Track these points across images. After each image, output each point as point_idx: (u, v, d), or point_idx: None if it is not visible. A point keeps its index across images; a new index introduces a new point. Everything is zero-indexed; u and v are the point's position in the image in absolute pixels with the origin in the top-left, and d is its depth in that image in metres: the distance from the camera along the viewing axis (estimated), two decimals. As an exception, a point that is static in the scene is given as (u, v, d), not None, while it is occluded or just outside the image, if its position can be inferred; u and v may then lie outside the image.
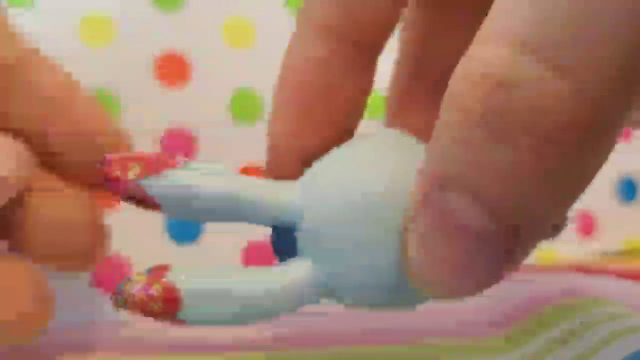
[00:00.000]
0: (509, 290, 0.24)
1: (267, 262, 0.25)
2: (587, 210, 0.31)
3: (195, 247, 0.25)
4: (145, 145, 0.25)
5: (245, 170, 0.26)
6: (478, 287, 0.12)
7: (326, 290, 0.14)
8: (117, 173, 0.13)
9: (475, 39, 0.11)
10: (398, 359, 0.20)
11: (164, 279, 0.13)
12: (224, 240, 0.25)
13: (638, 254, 0.31)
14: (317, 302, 0.14)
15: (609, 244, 0.31)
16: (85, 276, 0.24)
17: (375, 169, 0.14)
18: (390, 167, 0.14)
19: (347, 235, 0.13)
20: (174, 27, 0.26)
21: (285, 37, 0.16)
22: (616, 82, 0.10)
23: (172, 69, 0.26)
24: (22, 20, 0.24)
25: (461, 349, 0.21)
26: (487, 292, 0.25)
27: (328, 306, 0.23)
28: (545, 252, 0.30)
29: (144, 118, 0.25)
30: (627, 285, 0.26)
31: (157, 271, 0.13)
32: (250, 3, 0.27)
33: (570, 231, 0.31)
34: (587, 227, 0.31)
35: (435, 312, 0.23)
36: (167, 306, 0.13)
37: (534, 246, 0.12)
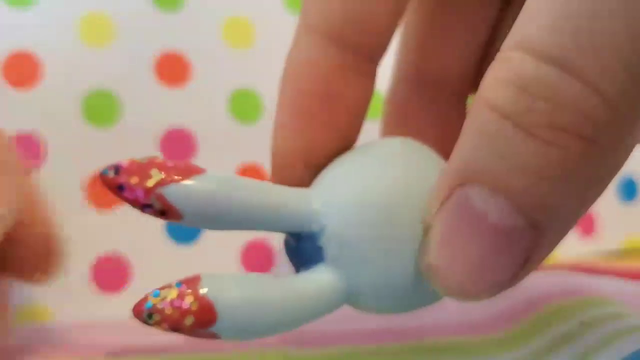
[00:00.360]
0: (509, 290, 0.24)
1: (265, 263, 0.25)
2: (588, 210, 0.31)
3: (195, 247, 0.25)
4: (145, 144, 0.25)
5: (245, 173, 0.26)
6: (496, 286, 0.12)
7: (349, 296, 0.14)
8: (135, 180, 0.13)
9: (505, 44, 0.11)
10: (398, 358, 0.20)
11: (198, 291, 0.13)
12: (223, 241, 0.25)
13: (638, 254, 0.31)
14: (340, 307, 0.14)
15: (609, 244, 0.31)
16: (85, 276, 0.24)
17: (388, 172, 0.14)
18: (404, 170, 0.14)
19: (368, 240, 0.13)
20: (173, 27, 0.26)
21: (284, 37, 0.16)
22: (630, 85, 0.10)
23: (172, 69, 0.26)
24: (22, 20, 0.24)
25: (461, 348, 0.21)
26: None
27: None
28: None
29: (143, 118, 0.25)
30: (628, 284, 0.26)
31: (189, 283, 0.13)
32: (249, 3, 0.27)
33: (571, 230, 0.31)
34: (588, 226, 0.31)
35: (436, 311, 0.23)
36: (202, 320, 0.12)
37: (554, 246, 0.12)
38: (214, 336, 0.13)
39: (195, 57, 0.26)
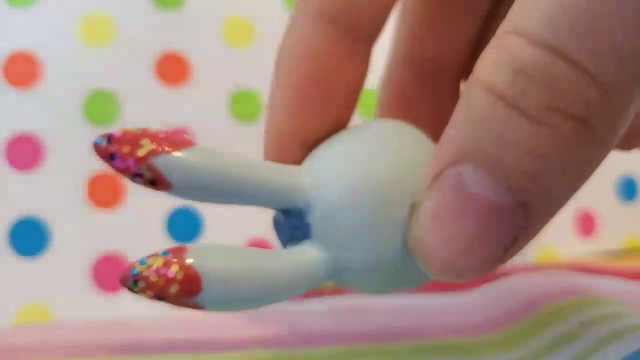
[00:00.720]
0: (508, 289, 0.24)
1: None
2: (588, 210, 0.31)
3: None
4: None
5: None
6: (484, 264, 0.12)
7: (335, 272, 0.14)
8: (127, 149, 0.13)
9: (500, 28, 0.12)
10: (397, 358, 0.20)
11: (183, 260, 0.13)
12: (225, 239, 0.25)
13: (638, 254, 0.31)
14: (326, 283, 0.14)
15: (609, 244, 0.31)
16: (85, 275, 0.24)
17: (380, 152, 0.14)
18: (394, 151, 0.14)
19: (355, 219, 0.13)
20: (173, 26, 0.26)
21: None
22: (623, 71, 0.11)
23: (172, 69, 0.26)
24: (23, 20, 0.24)
25: (460, 348, 0.21)
26: (486, 290, 0.25)
27: (328, 304, 0.23)
28: (545, 251, 0.30)
29: (143, 117, 0.25)
30: (627, 284, 0.26)
31: (175, 252, 0.13)
32: (249, 3, 0.27)
33: (570, 230, 0.31)
34: (588, 226, 0.31)
35: (434, 310, 0.23)
36: (186, 289, 0.12)
37: (542, 226, 0.12)
38: (198, 306, 0.13)
39: (195, 56, 0.26)
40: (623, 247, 0.31)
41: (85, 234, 0.24)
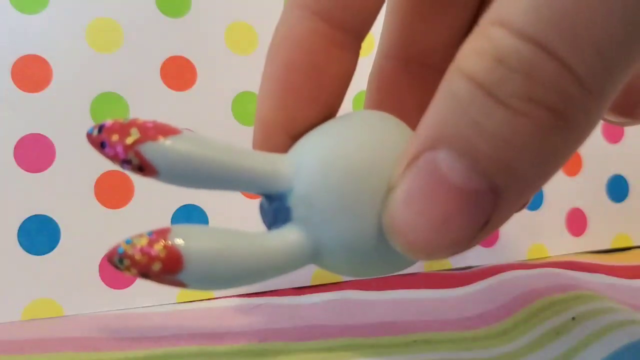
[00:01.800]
0: (501, 286, 0.24)
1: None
2: (579, 209, 0.31)
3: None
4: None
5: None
6: (456, 245, 0.13)
7: (315, 255, 0.14)
8: (116, 138, 0.13)
9: (483, 19, 0.12)
10: (391, 353, 0.20)
11: (166, 239, 0.13)
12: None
13: (628, 252, 0.31)
14: (307, 264, 0.15)
15: (600, 243, 0.31)
16: (94, 272, 0.24)
17: (357, 138, 0.14)
18: (372, 137, 0.14)
19: (333, 202, 0.14)
20: (178, 32, 0.26)
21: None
22: (601, 68, 0.11)
23: (177, 73, 0.26)
24: (32, 25, 0.24)
25: (453, 342, 0.21)
26: (479, 286, 0.25)
27: (326, 298, 0.24)
28: (537, 249, 0.30)
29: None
30: (617, 280, 0.26)
31: (159, 232, 0.13)
32: (252, 9, 0.27)
33: (561, 229, 0.31)
34: (579, 226, 0.31)
35: (429, 305, 0.24)
36: (169, 266, 0.13)
37: (513, 211, 0.13)
38: (181, 284, 0.13)
39: (199, 61, 0.26)
40: (614, 246, 0.32)
41: (93, 232, 0.24)
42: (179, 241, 0.13)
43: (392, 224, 0.13)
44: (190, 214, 0.25)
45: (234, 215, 0.26)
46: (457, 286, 0.25)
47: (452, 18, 0.18)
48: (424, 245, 0.13)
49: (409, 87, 0.18)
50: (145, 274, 0.13)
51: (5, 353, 0.20)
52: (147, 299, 0.24)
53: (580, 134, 0.12)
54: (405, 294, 0.25)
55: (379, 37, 0.19)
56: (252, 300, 0.24)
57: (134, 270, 0.13)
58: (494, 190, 0.12)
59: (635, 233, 0.32)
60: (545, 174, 0.12)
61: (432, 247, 0.12)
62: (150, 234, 0.13)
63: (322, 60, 0.16)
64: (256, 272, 0.14)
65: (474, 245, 0.13)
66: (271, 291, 0.25)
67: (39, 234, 0.24)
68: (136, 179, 0.25)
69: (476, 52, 0.12)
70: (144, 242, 0.13)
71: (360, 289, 0.25)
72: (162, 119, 0.24)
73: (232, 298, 0.24)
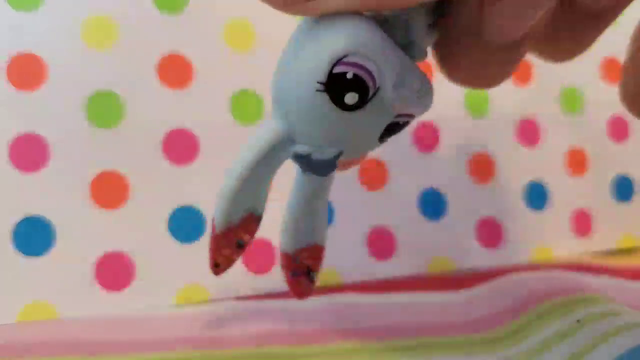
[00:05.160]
0: (505, 288, 0.24)
1: (266, 261, 0.25)
2: (584, 209, 0.31)
3: (198, 246, 0.25)
4: (148, 145, 0.25)
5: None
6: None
7: (289, 138, 0.16)
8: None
9: None
10: (394, 357, 0.20)
11: None
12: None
13: (634, 253, 0.31)
14: (288, 147, 0.17)
15: (605, 243, 0.31)
16: (89, 274, 0.24)
17: (294, 47, 0.16)
18: (299, 74, 0.16)
19: (292, 99, 0.16)
20: (175, 29, 0.26)
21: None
22: None
23: (174, 71, 0.26)
24: (27, 23, 0.24)
25: (457, 346, 0.21)
26: (483, 289, 0.25)
27: (326, 302, 0.23)
28: (542, 251, 0.30)
29: (146, 119, 0.25)
30: (623, 282, 0.26)
31: None
32: (250, 5, 0.26)
33: (566, 230, 0.31)
34: (584, 226, 0.31)
35: (432, 308, 0.24)
36: None
37: None
38: None
39: (197, 59, 0.26)
40: (619, 247, 0.31)
41: (88, 233, 0.24)
42: None
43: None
44: (186, 215, 0.25)
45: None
46: (461, 288, 0.25)
47: None
48: None
49: None
50: None
51: (0, 356, 0.20)
52: (144, 301, 0.24)
53: None
54: (408, 296, 0.25)
55: None
56: (251, 304, 0.24)
57: None
58: None
59: (641, 233, 0.32)
60: None
61: None
62: None
63: None
64: (248, 157, 0.17)
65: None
66: (271, 294, 0.25)
67: (33, 235, 0.24)
68: (132, 178, 0.25)
69: None
70: None
71: (362, 292, 0.25)
72: (159, 117, 0.24)
73: (231, 301, 0.24)
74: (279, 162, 0.17)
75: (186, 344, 0.21)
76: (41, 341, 0.21)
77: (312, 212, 0.18)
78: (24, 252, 0.23)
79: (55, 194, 0.24)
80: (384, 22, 0.16)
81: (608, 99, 0.31)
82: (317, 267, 0.19)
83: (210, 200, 0.25)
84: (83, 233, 0.24)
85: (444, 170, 0.29)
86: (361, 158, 0.19)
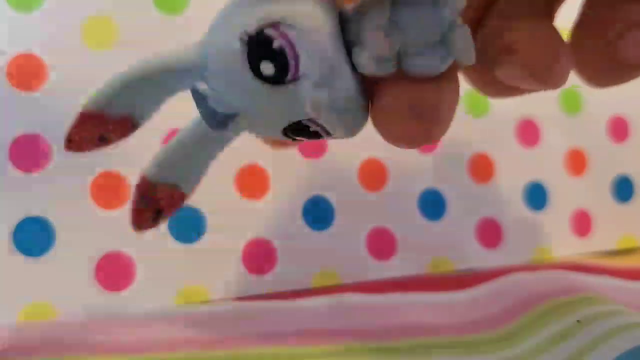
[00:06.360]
0: (505, 288, 0.24)
1: (266, 261, 0.25)
2: (584, 210, 0.31)
3: (197, 246, 0.25)
4: (149, 144, 0.25)
5: (245, 173, 0.26)
6: None
7: (200, 73, 0.16)
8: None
9: None
10: (393, 357, 0.20)
11: None
12: (226, 239, 0.25)
13: (634, 253, 0.31)
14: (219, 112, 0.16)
15: (605, 244, 0.31)
16: (89, 274, 0.24)
17: (225, 18, 0.16)
18: (234, 16, 0.16)
19: (216, 41, 0.16)
20: (175, 30, 0.26)
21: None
22: None
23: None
24: (27, 24, 0.24)
25: (457, 346, 0.21)
26: (483, 289, 0.25)
27: (325, 303, 0.23)
28: (542, 251, 0.30)
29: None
30: (623, 283, 0.26)
31: None
32: None
33: (566, 230, 0.31)
34: (584, 226, 0.31)
35: (431, 309, 0.24)
36: None
37: None
38: None
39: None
40: (619, 247, 0.31)
41: (88, 233, 0.24)
42: None
43: None
44: (186, 216, 0.25)
45: (231, 216, 0.26)
46: (461, 289, 0.25)
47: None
48: None
49: None
50: None
51: (0, 356, 0.20)
52: (144, 302, 0.24)
53: None
54: (407, 297, 0.25)
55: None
56: (251, 304, 0.24)
57: None
58: None
59: (642, 234, 0.32)
60: None
61: None
62: None
63: None
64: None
65: None
66: (271, 294, 0.25)
67: (34, 236, 0.24)
68: (132, 179, 0.25)
69: None
70: None
71: (362, 292, 0.25)
72: (159, 117, 0.24)
73: (231, 301, 0.24)
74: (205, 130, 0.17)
75: (186, 344, 0.21)
76: (41, 341, 0.21)
77: (192, 156, 0.18)
78: (24, 253, 0.23)
79: (55, 194, 0.24)
80: (346, 22, 0.15)
81: (608, 99, 0.31)
82: (169, 211, 0.18)
83: (211, 202, 0.26)
84: (83, 233, 0.24)
85: (444, 170, 0.29)
86: (281, 143, 0.18)
